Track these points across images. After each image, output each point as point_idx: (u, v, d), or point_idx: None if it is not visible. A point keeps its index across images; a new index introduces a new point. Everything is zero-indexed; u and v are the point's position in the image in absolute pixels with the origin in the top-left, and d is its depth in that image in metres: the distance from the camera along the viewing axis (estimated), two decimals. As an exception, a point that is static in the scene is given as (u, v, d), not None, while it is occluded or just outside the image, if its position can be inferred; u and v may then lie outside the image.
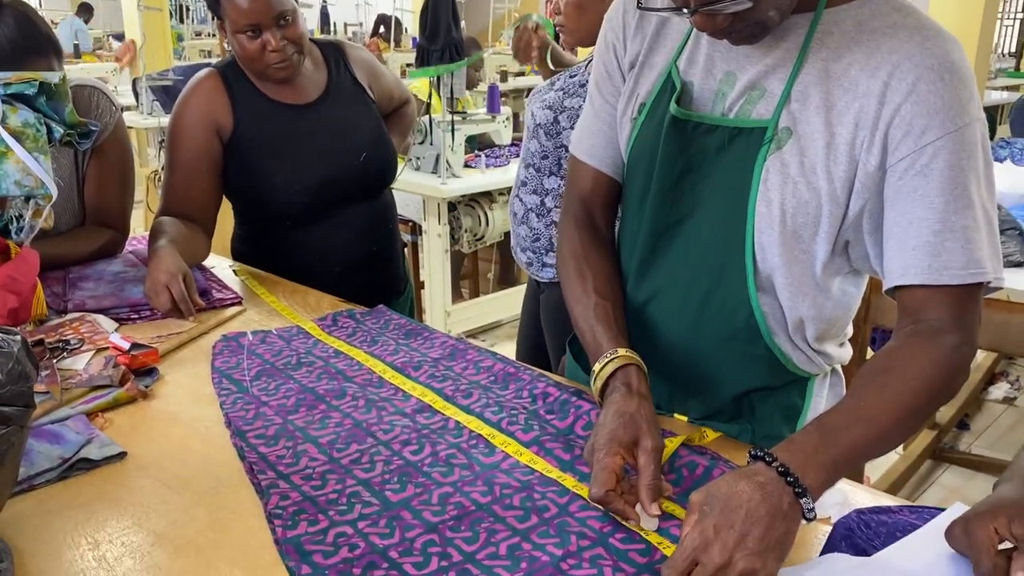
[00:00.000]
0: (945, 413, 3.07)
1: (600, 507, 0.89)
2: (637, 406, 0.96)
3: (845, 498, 0.91)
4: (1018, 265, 2.02)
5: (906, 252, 0.94)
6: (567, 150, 1.98)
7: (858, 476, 2.53)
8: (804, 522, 0.80)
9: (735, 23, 0.92)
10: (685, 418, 1.13)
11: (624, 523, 0.87)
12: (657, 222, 1.08)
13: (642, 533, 0.85)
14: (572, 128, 1.95)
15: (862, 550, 0.81)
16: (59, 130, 1.39)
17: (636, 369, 1.02)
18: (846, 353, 1.16)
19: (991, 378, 3.52)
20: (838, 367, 1.17)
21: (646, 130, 1.09)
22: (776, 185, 0.98)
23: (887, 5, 0.96)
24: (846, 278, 1.07)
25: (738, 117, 1.01)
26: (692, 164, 1.04)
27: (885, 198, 0.96)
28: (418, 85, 3.77)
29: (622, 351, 1.03)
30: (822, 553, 0.83)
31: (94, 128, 1.44)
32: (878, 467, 2.81)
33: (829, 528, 0.86)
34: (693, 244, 1.06)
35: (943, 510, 0.85)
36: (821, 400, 1.14)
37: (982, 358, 3.58)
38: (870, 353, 2.40)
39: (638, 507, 0.87)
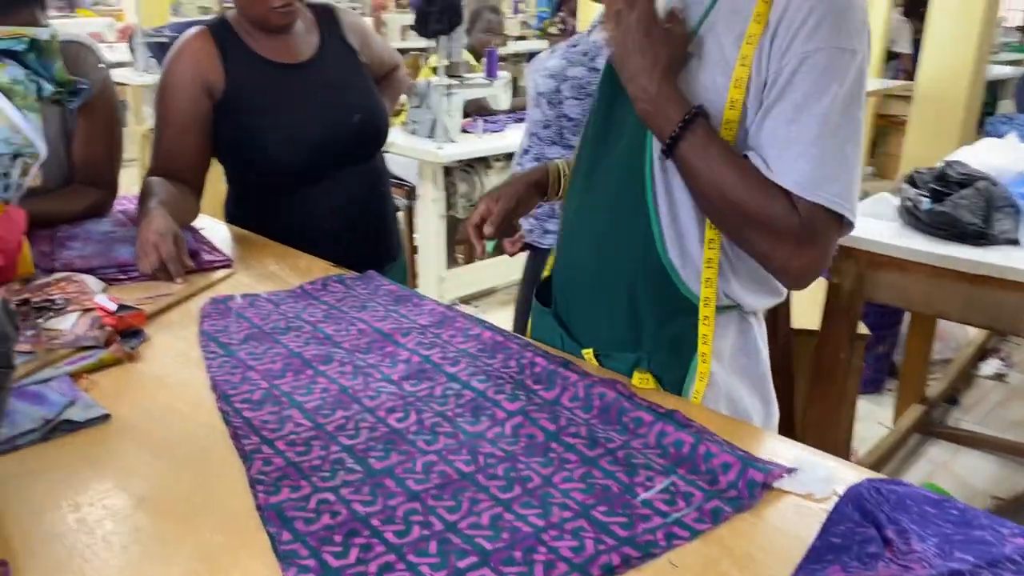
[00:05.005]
0: (935, 388, 3.08)
1: (583, 481, 0.89)
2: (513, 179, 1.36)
3: (830, 474, 0.90)
4: (1013, 243, 2.01)
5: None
6: (568, 119, 1.96)
7: (845, 451, 2.55)
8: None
9: None
10: (590, 352, 1.18)
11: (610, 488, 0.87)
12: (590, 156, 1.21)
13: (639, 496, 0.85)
14: (574, 98, 1.93)
15: (869, 513, 0.81)
16: (48, 88, 1.36)
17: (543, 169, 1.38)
18: (757, 301, 1.14)
19: (982, 354, 3.53)
20: (754, 315, 1.17)
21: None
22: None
23: None
24: None
25: None
26: (620, 97, 1.11)
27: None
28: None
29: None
30: (828, 519, 0.82)
31: (83, 86, 1.42)
32: (866, 440, 2.83)
33: (816, 505, 0.86)
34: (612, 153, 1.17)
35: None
36: (725, 341, 1.13)
37: (974, 334, 3.58)
38: (862, 327, 2.40)
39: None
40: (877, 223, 2.06)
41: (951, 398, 3.21)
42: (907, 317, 3.14)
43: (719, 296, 1.11)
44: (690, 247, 1.09)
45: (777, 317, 2.45)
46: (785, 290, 1.16)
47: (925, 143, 5.02)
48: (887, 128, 6.81)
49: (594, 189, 1.19)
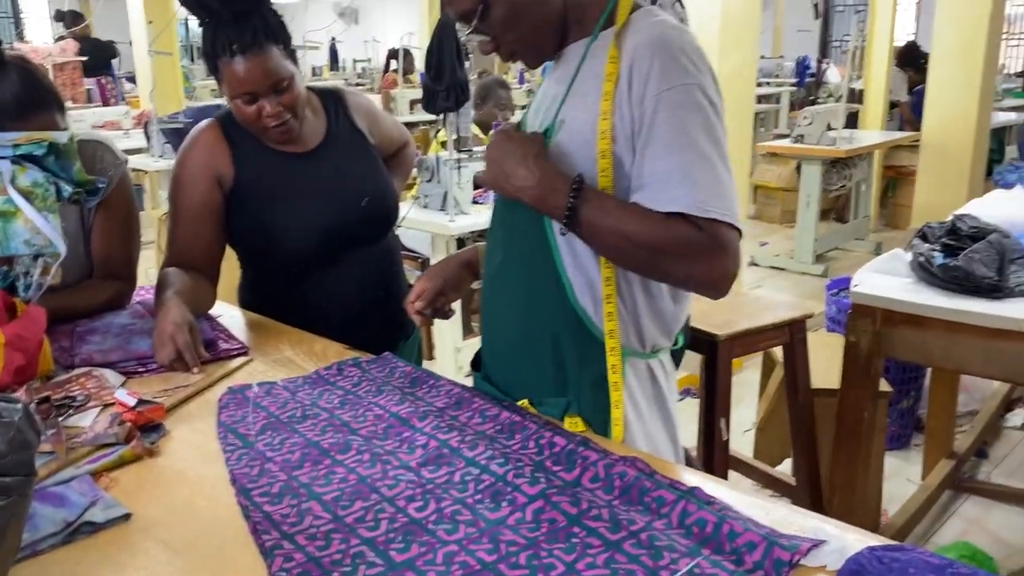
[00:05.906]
0: (963, 442, 3.03)
1: (607, 567, 0.88)
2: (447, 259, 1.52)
3: (844, 545, 0.89)
4: (1032, 295, 2.00)
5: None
6: None
7: (875, 511, 2.51)
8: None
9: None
10: (526, 402, 1.27)
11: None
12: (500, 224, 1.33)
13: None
14: None
15: None
16: (67, 188, 1.40)
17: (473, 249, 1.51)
18: (661, 336, 1.26)
19: (1009, 405, 3.48)
20: (660, 363, 1.28)
21: None
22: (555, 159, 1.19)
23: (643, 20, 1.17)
24: None
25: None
26: None
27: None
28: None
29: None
30: None
31: (101, 185, 1.46)
32: (897, 498, 2.78)
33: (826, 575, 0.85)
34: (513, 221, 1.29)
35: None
36: (639, 391, 1.25)
37: (999, 385, 3.53)
38: (884, 384, 2.38)
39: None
40: (891, 279, 2.05)
41: (980, 451, 3.16)
42: (929, 371, 3.10)
43: (630, 341, 1.23)
44: (598, 292, 1.20)
45: (796, 378, 2.43)
46: (684, 319, 1.30)
47: (936, 191, 5.05)
48: (896, 178, 6.83)
49: (507, 250, 1.30)
